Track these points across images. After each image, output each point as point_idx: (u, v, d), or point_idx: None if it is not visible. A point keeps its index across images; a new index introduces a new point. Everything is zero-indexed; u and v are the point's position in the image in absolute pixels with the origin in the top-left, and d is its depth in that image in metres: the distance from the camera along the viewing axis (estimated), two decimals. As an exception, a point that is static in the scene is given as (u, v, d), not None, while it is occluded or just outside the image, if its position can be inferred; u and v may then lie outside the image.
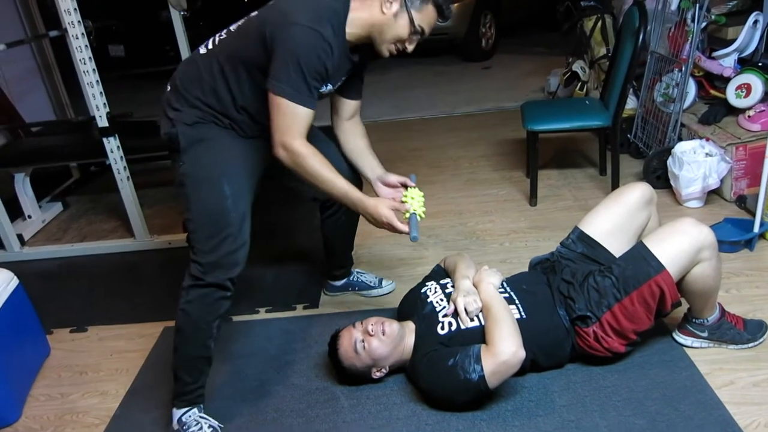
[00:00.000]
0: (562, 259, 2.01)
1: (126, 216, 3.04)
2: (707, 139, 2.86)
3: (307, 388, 1.98)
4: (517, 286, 1.93)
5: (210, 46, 1.77)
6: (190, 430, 1.78)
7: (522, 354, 1.66)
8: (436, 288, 2.00)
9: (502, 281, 1.94)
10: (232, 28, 1.77)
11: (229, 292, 1.75)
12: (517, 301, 1.87)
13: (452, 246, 2.73)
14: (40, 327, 2.31)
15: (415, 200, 1.84)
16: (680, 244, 1.72)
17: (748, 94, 2.83)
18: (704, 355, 1.91)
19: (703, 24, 2.97)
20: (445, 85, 5.59)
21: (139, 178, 3.14)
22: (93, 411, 2.02)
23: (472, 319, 1.81)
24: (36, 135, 3.73)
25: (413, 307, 1.99)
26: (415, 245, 2.64)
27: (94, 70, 2.71)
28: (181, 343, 1.77)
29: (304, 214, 3.12)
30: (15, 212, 3.29)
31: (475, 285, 1.90)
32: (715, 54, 3.05)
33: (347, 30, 1.70)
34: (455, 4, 5.89)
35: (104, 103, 2.75)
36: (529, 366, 1.83)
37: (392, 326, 1.85)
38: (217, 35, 1.78)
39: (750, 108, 2.84)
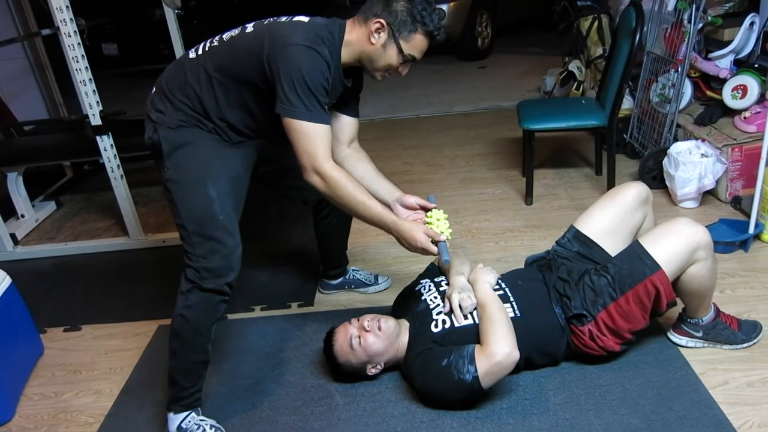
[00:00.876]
0: (558, 257, 2.01)
1: (120, 214, 3.03)
2: (703, 140, 2.87)
3: (302, 385, 1.97)
4: (512, 282, 1.93)
5: (200, 52, 1.75)
6: None
7: (516, 355, 1.66)
8: (430, 286, 2.00)
9: (497, 278, 1.94)
10: (225, 37, 1.74)
11: (228, 296, 1.73)
12: (512, 299, 1.86)
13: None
14: (33, 326, 2.30)
15: (441, 222, 1.81)
16: (676, 244, 1.72)
17: (743, 96, 2.84)
18: (699, 355, 1.91)
19: (700, 25, 2.97)
20: (442, 84, 5.59)
21: (133, 176, 3.13)
22: (87, 410, 2.01)
23: (466, 317, 1.81)
24: (29, 134, 3.71)
25: (407, 305, 1.99)
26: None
27: (86, 68, 2.70)
28: (180, 348, 1.74)
29: (299, 213, 3.10)
30: (8, 211, 3.28)
31: (470, 283, 1.90)
32: (711, 55, 3.06)
33: (342, 54, 1.71)
34: (451, 4, 5.90)
35: (97, 102, 2.74)
36: (523, 364, 1.83)
37: (388, 322, 1.85)
38: (208, 41, 1.76)
39: (746, 109, 2.85)
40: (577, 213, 2.12)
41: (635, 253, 1.77)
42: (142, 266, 2.92)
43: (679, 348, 1.94)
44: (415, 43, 1.69)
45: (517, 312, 1.83)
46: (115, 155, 2.85)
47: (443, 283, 1.98)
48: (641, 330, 1.81)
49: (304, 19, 1.70)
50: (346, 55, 1.72)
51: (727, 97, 2.90)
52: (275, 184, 2.16)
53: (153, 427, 1.87)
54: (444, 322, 1.83)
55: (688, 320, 1.92)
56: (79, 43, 2.66)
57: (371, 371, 1.88)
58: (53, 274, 2.94)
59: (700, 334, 1.92)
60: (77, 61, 2.67)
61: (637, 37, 2.63)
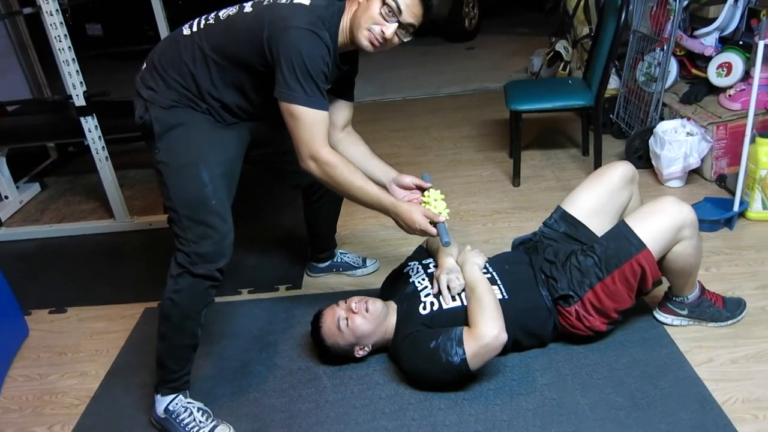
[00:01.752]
0: (545, 238, 2.01)
1: (105, 197, 3.00)
2: (688, 119, 2.88)
3: (289, 368, 1.97)
4: (499, 267, 1.93)
5: (194, 29, 1.70)
6: (180, 417, 1.74)
7: (504, 337, 1.67)
8: (418, 268, 2.00)
9: (486, 261, 1.94)
10: (221, 15, 1.69)
11: (219, 281, 1.72)
12: (499, 282, 1.87)
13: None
14: (17, 308, 2.27)
15: (438, 202, 1.80)
16: (661, 223, 1.73)
17: (728, 73, 2.84)
18: (684, 333, 1.93)
19: (685, 3, 2.97)
20: (429, 66, 5.56)
21: (119, 158, 3.09)
22: (72, 392, 2.00)
23: (454, 298, 1.82)
24: (11, 115, 3.65)
25: (395, 287, 1.99)
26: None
27: (69, 47, 2.65)
28: (169, 332, 1.73)
29: (287, 196, 3.09)
30: (-9, 193, 3.24)
31: (458, 264, 1.90)
32: (696, 33, 3.06)
33: (339, 37, 1.67)
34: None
35: (81, 82, 2.70)
36: (511, 346, 1.84)
37: (376, 304, 1.85)
38: (203, 18, 1.71)
39: (731, 87, 2.85)
40: (565, 194, 2.12)
41: (621, 232, 1.78)
42: (129, 249, 2.90)
43: (665, 326, 1.96)
44: None
45: (504, 294, 1.83)
46: (99, 137, 2.81)
47: (431, 265, 1.98)
48: (627, 309, 1.83)
49: (305, 1, 1.65)
50: (344, 36, 1.69)
51: (713, 75, 2.90)
52: (268, 168, 2.13)
53: (139, 408, 1.87)
54: (432, 304, 1.83)
55: (674, 298, 1.94)
56: (61, 22, 2.61)
57: (359, 353, 1.88)
58: (38, 256, 2.92)
59: (685, 312, 1.94)
60: (60, 41, 2.62)
61: (623, 16, 2.62)
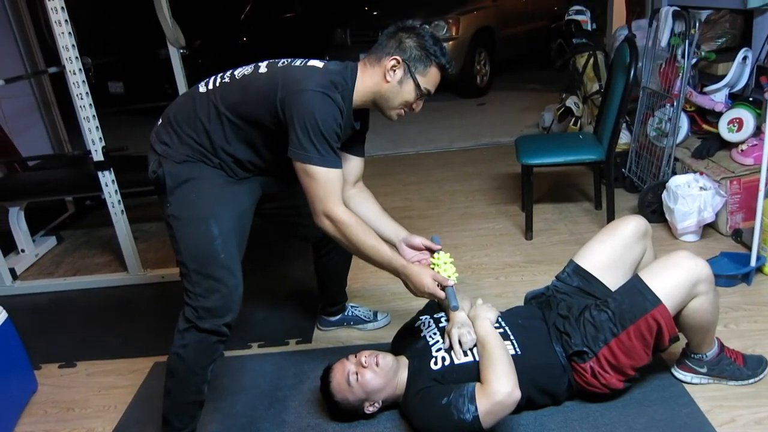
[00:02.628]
0: (558, 293, 1.99)
1: (120, 250, 3.02)
2: (701, 173, 2.87)
3: (298, 425, 1.93)
4: (512, 321, 1.90)
5: (210, 87, 1.74)
6: None
7: (517, 394, 1.63)
8: (429, 322, 1.97)
9: (498, 316, 1.91)
10: (237, 74, 1.74)
11: (226, 337, 1.71)
12: (512, 337, 1.84)
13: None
14: (27, 362, 2.26)
15: (447, 265, 1.79)
16: (676, 278, 1.71)
17: (740, 129, 2.85)
18: (704, 391, 1.88)
19: (694, 60, 3.01)
20: (441, 121, 5.64)
21: (134, 212, 3.13)
22: (79, 449, 1.97)
23: (466, 353, 1.79)
24: (32, 169, 3.73)
25: (406, 342, 1.97)
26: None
27: (90, 104, 2.73)
28: (174, 388, 1.71)
29: (298, 248, 3.10)
30: (8, 246, 3.28)
31: (470, 319, 1.88)
32: (706, 89, 3.09)
33: (354, 98, 1.72)
34: (449, 42, 5.99)
35: (100, 138, 2.76)
36: (524, 403, 1.79)
37: (386, 358, 1.82)
38: (219, 76, 1.76)
39: (742, 142, 2.86)
40: (578, 247, 2.11)
41: (635, 287, 1.75)
42: (140, 302, 2.90)
43: (684, 384, 1.91)
44: (431, 77, 1.73)
45: (517, 350, 1.80)
46: (116, 191, 2.86)
47: (443, 320, 1.96)
48: (644, 366, 1.78)
49: (319, 64, 1.71)
50: (359, 98, 1.73)
51: (724, 130, 2.91)
52: (278, 221, 2.14)
53: (146, 466, 1.83)
54: (444, 359, 1.80)
55: (692, 356, 1.89)
56: (84, 81, 2.70)
57: (369, 409, 1.84)
58: (50, 310, 2.92)
59: (704, 370, 1.89)
60: (82, 98, 2.70)
61: (632, 73, 2.66)
